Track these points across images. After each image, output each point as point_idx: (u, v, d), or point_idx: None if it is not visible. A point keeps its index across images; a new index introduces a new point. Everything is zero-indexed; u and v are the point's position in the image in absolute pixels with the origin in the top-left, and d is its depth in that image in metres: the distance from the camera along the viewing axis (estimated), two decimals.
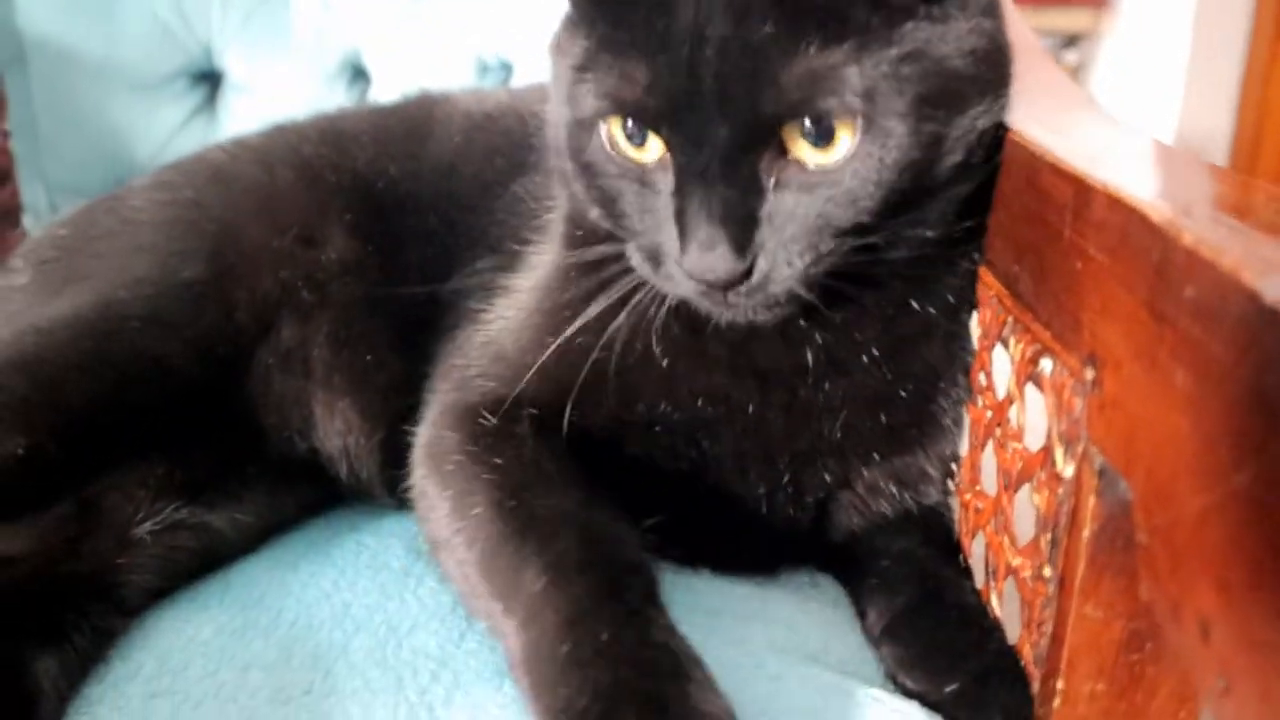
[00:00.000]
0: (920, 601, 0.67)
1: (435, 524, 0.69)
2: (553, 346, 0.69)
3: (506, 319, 0.76)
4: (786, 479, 0.71)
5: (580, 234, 0.71)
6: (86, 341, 0.73)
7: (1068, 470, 0.55)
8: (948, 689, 0.61)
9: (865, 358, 0.68)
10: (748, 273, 0.58)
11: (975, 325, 0.71)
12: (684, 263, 0.58)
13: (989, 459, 0.71)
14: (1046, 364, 0.59)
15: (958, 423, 0.72)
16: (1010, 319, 0.65)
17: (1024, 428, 0.64)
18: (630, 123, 0.60)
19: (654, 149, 0.60)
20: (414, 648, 0.64)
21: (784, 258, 0.58)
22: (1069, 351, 0.56)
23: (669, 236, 0.60)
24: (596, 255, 0.68)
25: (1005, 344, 0.66)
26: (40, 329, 0.74)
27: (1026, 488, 0.63)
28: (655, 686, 0.51)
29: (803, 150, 0.57)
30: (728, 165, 0.56)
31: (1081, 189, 0.55)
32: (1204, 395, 0.42)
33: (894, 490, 0.72)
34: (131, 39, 1.42)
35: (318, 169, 0.86)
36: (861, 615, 0.70)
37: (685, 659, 0.53)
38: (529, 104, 0.92)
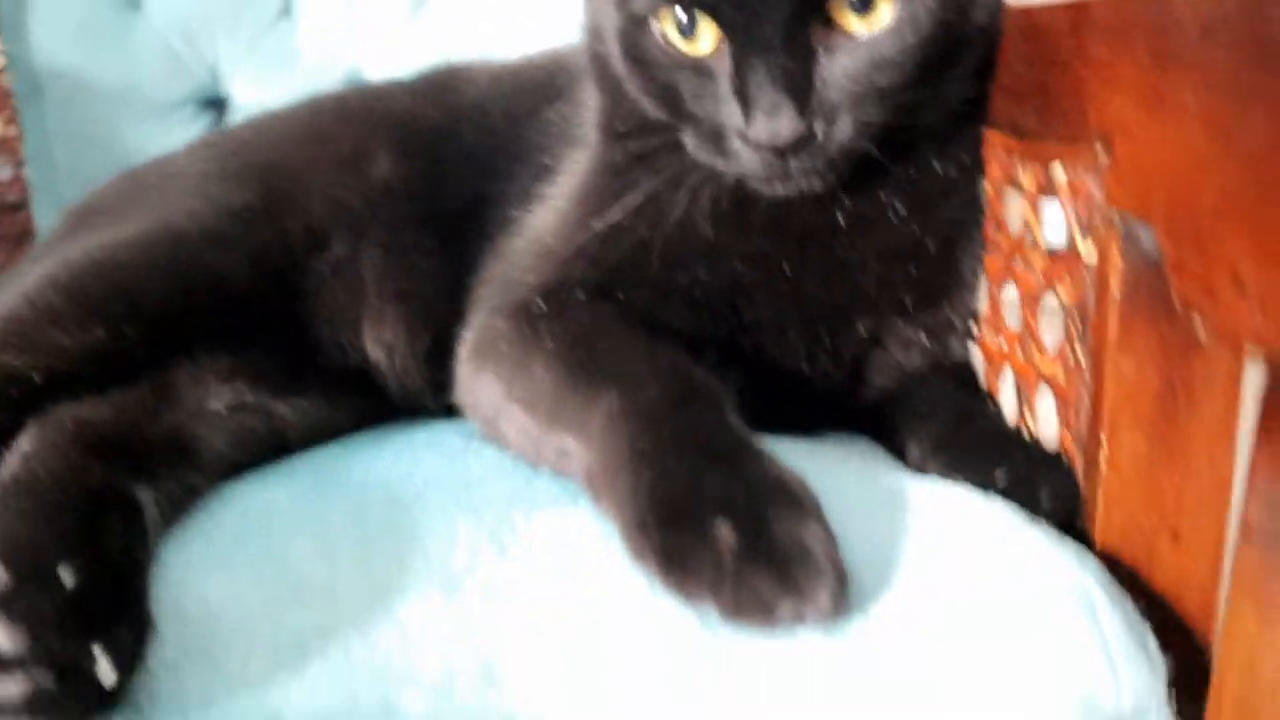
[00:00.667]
0: (959, 422, 0.71)
1: (488, 399, 0.72)
2: (599, 227, 0.74)
3: (547, 220, 0.81)
4: (824, 335, 0.75)
5: (624, 130, 0.76)
6: (151, 252, 0.78)
7: (1091, 254, 0.61)
8: (1000, 478, 0.64)
9: (893, 216, 0.73)
10: (809, 134, 0.64)
11: (985, 186, 0.78)
12: (750, 131, 0.64)
13: (1008, 310, 0.77)
14: (1059, 173, 0.64)
15: (976, 275, 0.77)
16: (1018, 160, 0.71)
17: (1042, 245, 0.69)
18: (682, 13, 0.66)
19: (705, 38, 0.66)
20: (486, 494, 0.66)
21: (840, 116, 0.65)
22: (1080, 150, 0.62)
23: (730, 113, 0.66)
24: (642, 146, 0.73)
25: (1017, 185, 0.72)
26: (106, 244, 0.78)
27: (1052, 303, 0.68)
28: (737, 456, 0.55)
29: (848, 19, 0.64)
30: (785, 37, 0.62)
31: (1078, 9, 0.62)
32: (1209, 98, 0.48)
33: (924, 341, 0.77)
34: (142, 67, 1.48)
35: (359, 111, 0.92)
36: (902, 454, 0.74)
37: (761, 445, 0.57)
38: (544, 63, 0.99)
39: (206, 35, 1.50)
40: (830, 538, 0.51)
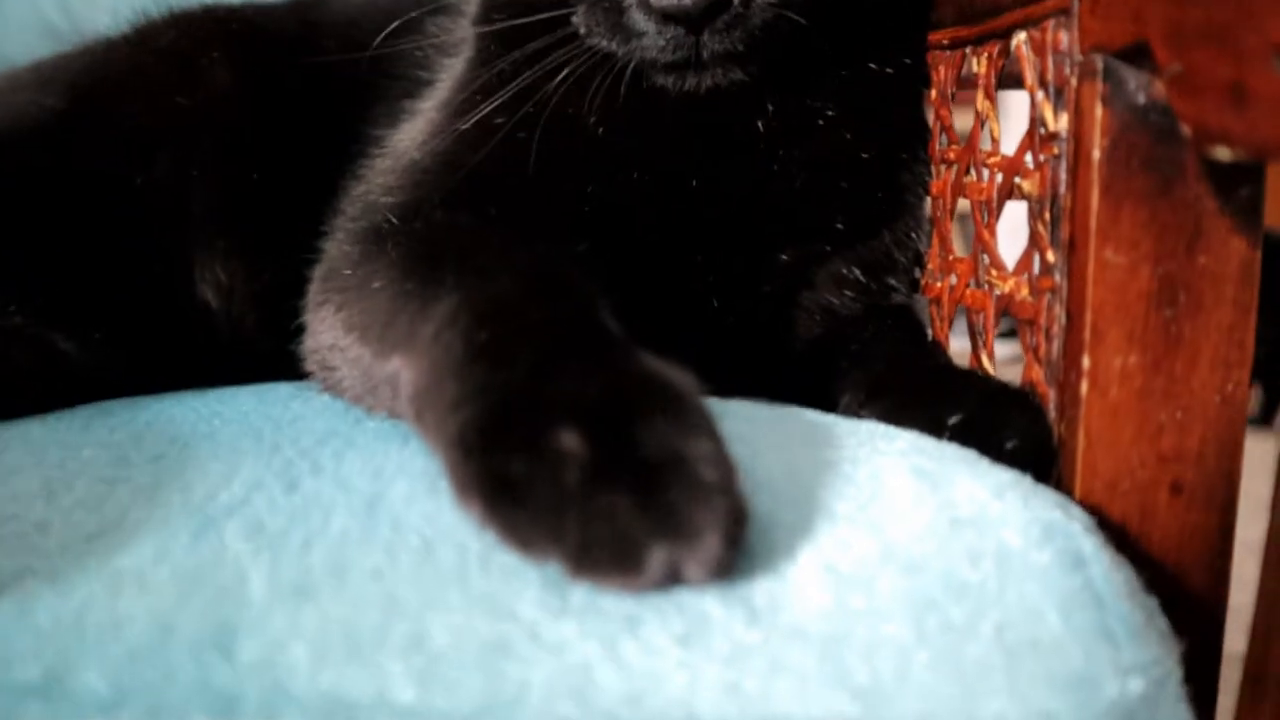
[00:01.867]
0: (901, 364, 0.58)
1: (326, 336, 0.57)
2: (464, 127, 0.61)
3: (413, 133, 0.67)
4: (739, 263, 0.62)
5: (500, 16, 0.63)
6: None
7: (1062, 121, 0.48)
8: (951, 420, 0.50)
9: (821, 120, 0.61)
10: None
11: (929, 97, 0.66)
12: None
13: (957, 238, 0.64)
14: (1022, 39, 0.52)
15: (920, 200, 0.65)
16: (970, 50, 0.59)
17: (998, 141, 0.57)
18: None
19: None
20: (295, 432, 0.51)
21: None
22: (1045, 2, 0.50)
23: None
24: (521, 32, 0.60)
25: (968, 81, 0.60)
26: None
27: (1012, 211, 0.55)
28: (598, 349, 0.41)
29: None
30: None
31: None
32: None
33: (859, 278, 0.64)
34: (13, 38, 1.34)
35: (199, 17, 0.78)
36: (834, 406, 0.60)
37: (638, 348, 0.42)
38: None
39: (86, 8, 1.36)
40: (723, 455, 0.36)
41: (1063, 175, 0.48)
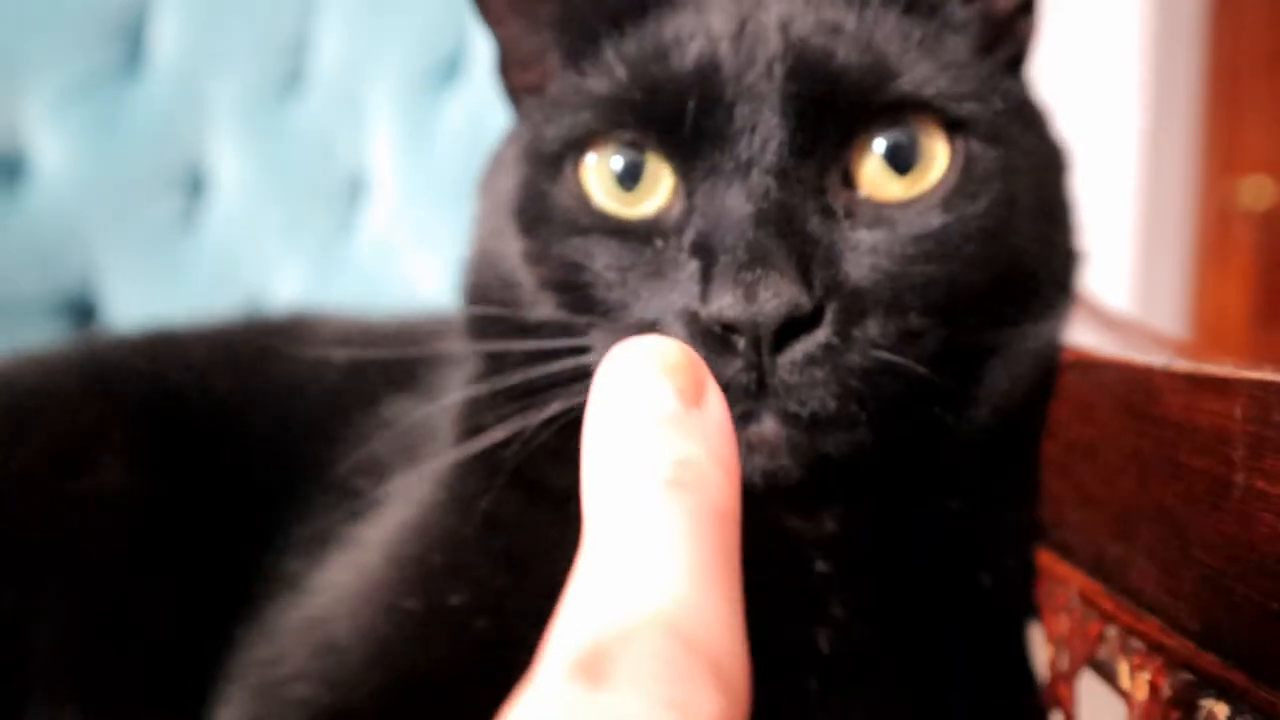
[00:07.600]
0: None
1: None
2: (417, 606, 0.44)
3: (345, 584, 0.49)
4: None
5: (494, 417, 0.46)
6: None
7: None
8: None
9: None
10: (814, 313, 0.38)
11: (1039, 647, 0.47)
12: (710, 300, 0.37)
13: None
14: (1219, 712, 0.33)
15: None
16: (1114, 630, 0.40)
17: None
18: (624, 156, 0.43)
19: (654, 191, 0.43)
20: None
21: (868, 307, 0.39)
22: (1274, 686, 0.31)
23: (677, 285, 0.40)
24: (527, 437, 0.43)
25: (1103, 670, 0.41)
26: None
27: None
28: None
29: (878, 174, 0.41)
30: (782, 169, 0.40)
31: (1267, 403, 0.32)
32: None
33: None
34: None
35: (110, 375, 0.61)
36: None
37: None
38: (429, 324, 0.66)
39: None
40: None
41: None
